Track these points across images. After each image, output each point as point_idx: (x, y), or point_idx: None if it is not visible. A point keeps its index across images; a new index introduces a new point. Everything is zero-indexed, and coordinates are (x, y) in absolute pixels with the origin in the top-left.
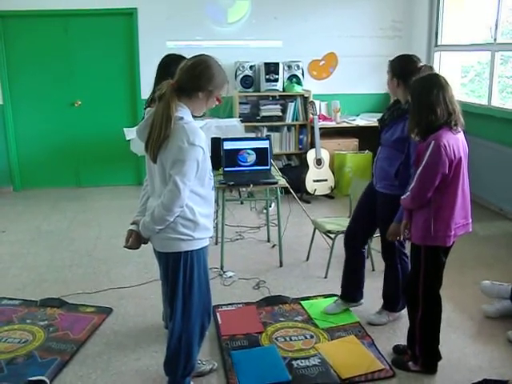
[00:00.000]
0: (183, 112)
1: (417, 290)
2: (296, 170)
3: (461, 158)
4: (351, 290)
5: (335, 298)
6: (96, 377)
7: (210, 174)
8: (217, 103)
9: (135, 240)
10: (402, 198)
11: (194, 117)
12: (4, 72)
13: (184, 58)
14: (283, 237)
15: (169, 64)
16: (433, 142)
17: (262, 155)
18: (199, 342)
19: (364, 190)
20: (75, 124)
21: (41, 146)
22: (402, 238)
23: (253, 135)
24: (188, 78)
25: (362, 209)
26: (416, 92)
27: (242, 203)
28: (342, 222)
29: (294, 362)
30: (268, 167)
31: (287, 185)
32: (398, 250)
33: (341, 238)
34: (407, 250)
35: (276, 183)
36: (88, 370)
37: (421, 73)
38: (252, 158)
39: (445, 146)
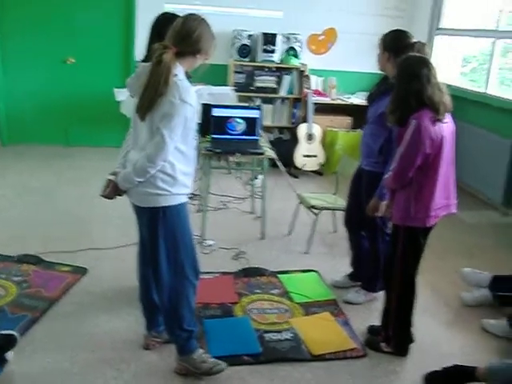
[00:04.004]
0: (177, 69)
1: (393, 270)
2: (287, 144)
3: (443, 137)
4: (360, 272)
5: (314, 273)
6: (65, 336)
7: (194, 134)
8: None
9: (112, 190)
10: (385, 177)
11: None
12: None
13: (178, 16)
14: (267, 209)
15: (164, 23)
16: (414, 121)
17: (251, 125)
18: (193, 298)
19: (354, 173)
20: (67, 82)
21: (31, 102)
22: (380, 214)
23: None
24: (186, 43)
25: (353, 192)
26: (401, 76)
27: (230, 173)
28: (327, 199)
29: (266, 335)
30: (256, 137)
31: (274, 156)
32: (380, 229)
33: (324, 214)
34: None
35: (263, 154)
36: (58, 328)
37: (414, 49)
38: (241, 126)
39: (425, 126)
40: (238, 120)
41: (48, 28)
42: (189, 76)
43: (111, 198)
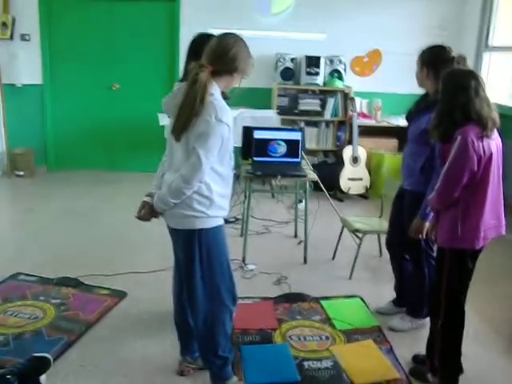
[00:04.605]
0: (213, 88)
1: (439, 296)
2: (332, 167)
3: (491, 154)
4: (404, 299)
5: (357, 299)
6: (100, 360)
7: (231, 155)
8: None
9: (147, 212)
10: (429, 197)
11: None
12: (46, 52)
13: (214, 36)
14: (311, 233)
15: (201, 43)
16: (459, 136)
17: (293, 147)
18: (229, 325)
19: (396, 193)
20: (112, 107)
21: (77, 128)
22: (424, 236)
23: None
24: (223, 62)
25: (395, 213)
26: (446, 88)
27: (273, 196)
28: (371, 222)
29: (305, 363)
30: (298, 160)
31: (317, 179)
32: (425, 252)
33: (369, 238)
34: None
35: (305, 176)
36: (93, 352)
37: (454, 63)
38: (282, 149)
39: (472, 141)
40: (280, 142)
41: (94, 55)
42: (226, 97)
43: (147, 220)
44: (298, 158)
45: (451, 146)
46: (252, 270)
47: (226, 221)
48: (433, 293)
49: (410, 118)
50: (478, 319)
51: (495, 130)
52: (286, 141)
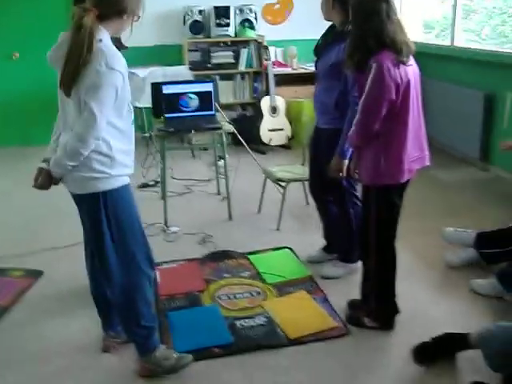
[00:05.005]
0: (101, 34)
1: (368, 236)
2: (251, 120)
3: (409, 81)
4: (334, 244)
5: (286, 250)
6: (19, 347)
7: (129, 106)
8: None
9: (45, 179)
10: (349, 134)
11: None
12: None
13: None
14: (234, 189)
15: None
16: (374, 64)
17: (205, 99)
18: (150, 291)
19: (311, 135)
20: (15, 78)
21: None
22: (344, 174)
23: None
24: (109, 3)
25: (313, 156)
26: (356, 14)
27: (194, 156)
28: (294, 170)
29: (237, 322)
30: (212, 112)
31: (233, 130)
32: (347, 192)
33: (294, 188)
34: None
35: (220, 128)
36: (12, 338)
37: None
38: (194, 102)
39: (388, 69)
40: (191, 96)
41: None
42: (122, 46)
43: (45, 189)
44: (211, 110)
45: (367, 77)
46: (175, 233)
47: (146, 185)
48: (362, 234)
49: (318, 52)
50: (411, 256)
51: (411, 57)
52: (197, 93)
